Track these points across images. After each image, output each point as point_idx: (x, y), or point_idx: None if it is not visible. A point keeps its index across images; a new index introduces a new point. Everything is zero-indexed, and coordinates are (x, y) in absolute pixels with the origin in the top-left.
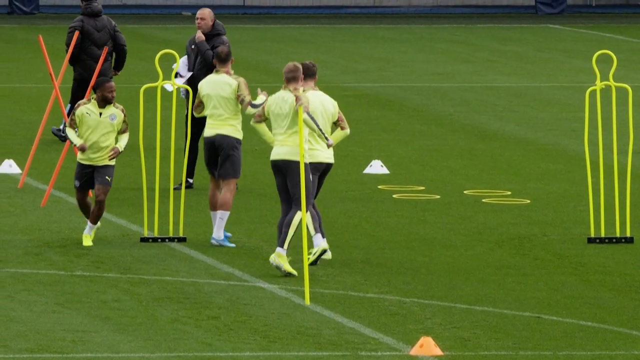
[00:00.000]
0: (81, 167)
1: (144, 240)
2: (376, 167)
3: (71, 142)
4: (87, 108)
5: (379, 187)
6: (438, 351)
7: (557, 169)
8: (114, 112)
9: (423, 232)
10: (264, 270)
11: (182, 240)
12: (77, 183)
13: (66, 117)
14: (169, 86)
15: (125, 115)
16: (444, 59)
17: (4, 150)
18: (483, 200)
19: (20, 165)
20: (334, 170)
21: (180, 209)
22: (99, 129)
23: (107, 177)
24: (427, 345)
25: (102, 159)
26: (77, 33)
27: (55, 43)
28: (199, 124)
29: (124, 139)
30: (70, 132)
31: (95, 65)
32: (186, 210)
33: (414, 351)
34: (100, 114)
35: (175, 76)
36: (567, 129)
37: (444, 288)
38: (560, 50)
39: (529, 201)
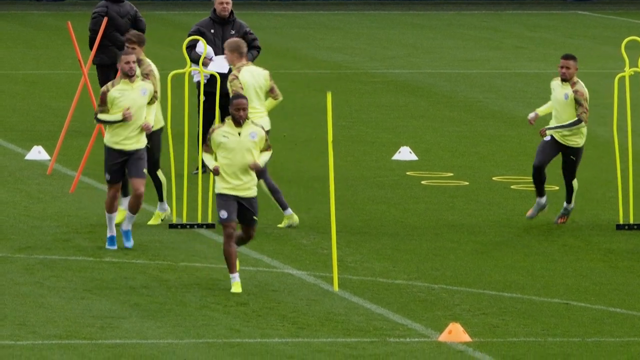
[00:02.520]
0: (224, 195)
1: (172, 226)
2: (405, 154)
3: (206, 166)
4: (224, 131)
5: (408, 173)
6: (467, 337)
7: (586, 155)
8: (254, 130)
9: (451, 219)
10: (293, 256)
11: (210, 226)
12: (224, 214)
13: (95, 104)
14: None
15: (266, 132)
16: (472, 46)
17: (33, 137)
18: (512, 186)
19: (49, 151)
20: (363, 156)
21: (208, 195)
22: (240, 150)
23: (254, 217)
24: (455, 331)
25: (248, 187)
26: (105, 19)
27: (84, 29)
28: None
29: (266, 156)
30: (206, 156)
31: (117, 51)
32: (214, 197)
33: (443, 337)
34: (239, 133)
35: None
36: (596, 115)
37: (472, 274)
38: (589, 37)
39: (557, 188)
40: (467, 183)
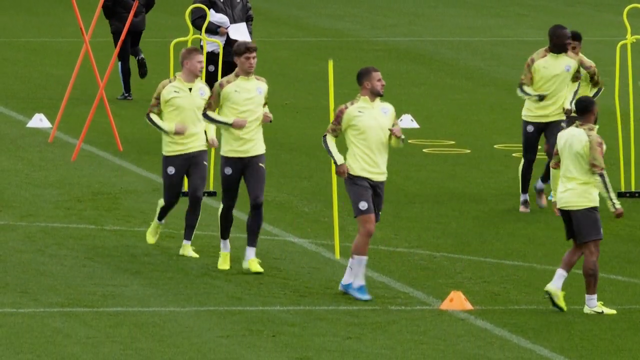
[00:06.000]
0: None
1: None
2: (406, 121)
3: None
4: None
5: (409, 141)
6: (468, 305)
7: None
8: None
9: (453, 187)
10: (294, 224)
11: (212, 194)
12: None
13: (97, 73)
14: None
15: None
16: (474, 13)
17: (34, 105)
18: (513, 154)
19: (51, 119)
20: None
21: (210, 164)
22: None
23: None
24: (457, 299)
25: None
26: None
27: None
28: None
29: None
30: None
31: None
32: (215, 165)
33: (444, 305)
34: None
35: (216, 32)
36: None
37: (474, 242)
38: (591, 4)
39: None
40: (468, 151)
